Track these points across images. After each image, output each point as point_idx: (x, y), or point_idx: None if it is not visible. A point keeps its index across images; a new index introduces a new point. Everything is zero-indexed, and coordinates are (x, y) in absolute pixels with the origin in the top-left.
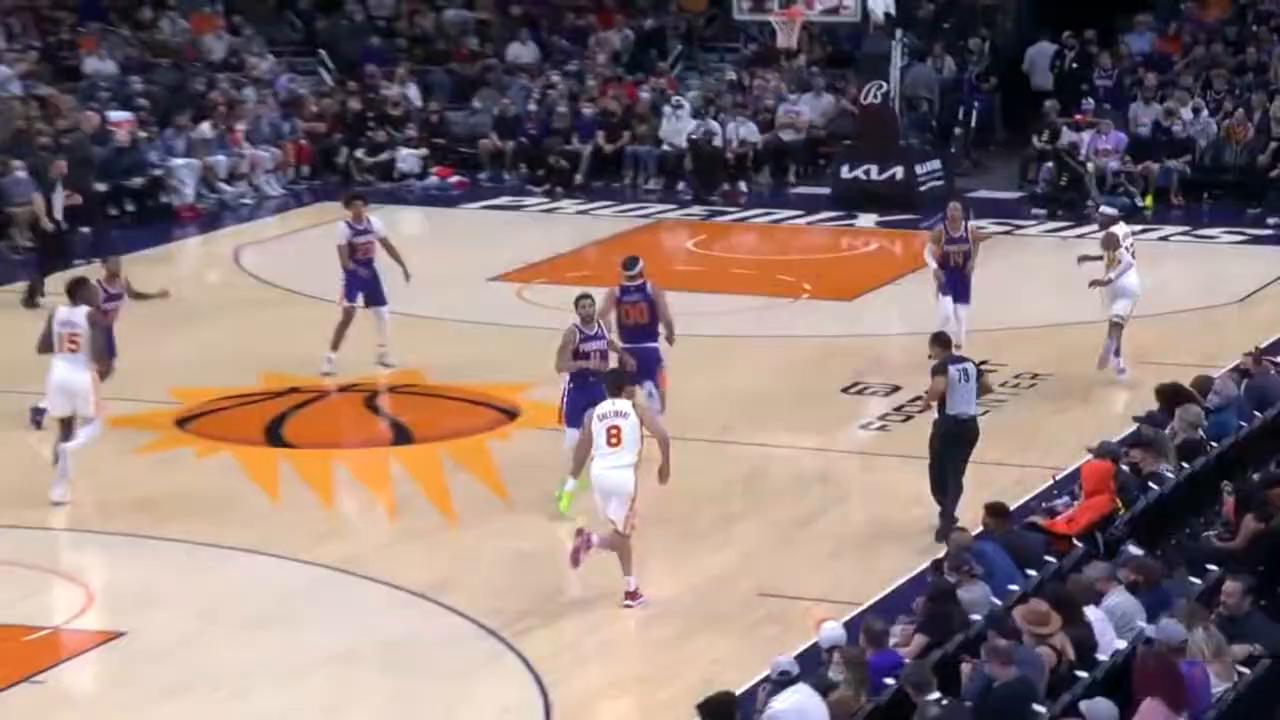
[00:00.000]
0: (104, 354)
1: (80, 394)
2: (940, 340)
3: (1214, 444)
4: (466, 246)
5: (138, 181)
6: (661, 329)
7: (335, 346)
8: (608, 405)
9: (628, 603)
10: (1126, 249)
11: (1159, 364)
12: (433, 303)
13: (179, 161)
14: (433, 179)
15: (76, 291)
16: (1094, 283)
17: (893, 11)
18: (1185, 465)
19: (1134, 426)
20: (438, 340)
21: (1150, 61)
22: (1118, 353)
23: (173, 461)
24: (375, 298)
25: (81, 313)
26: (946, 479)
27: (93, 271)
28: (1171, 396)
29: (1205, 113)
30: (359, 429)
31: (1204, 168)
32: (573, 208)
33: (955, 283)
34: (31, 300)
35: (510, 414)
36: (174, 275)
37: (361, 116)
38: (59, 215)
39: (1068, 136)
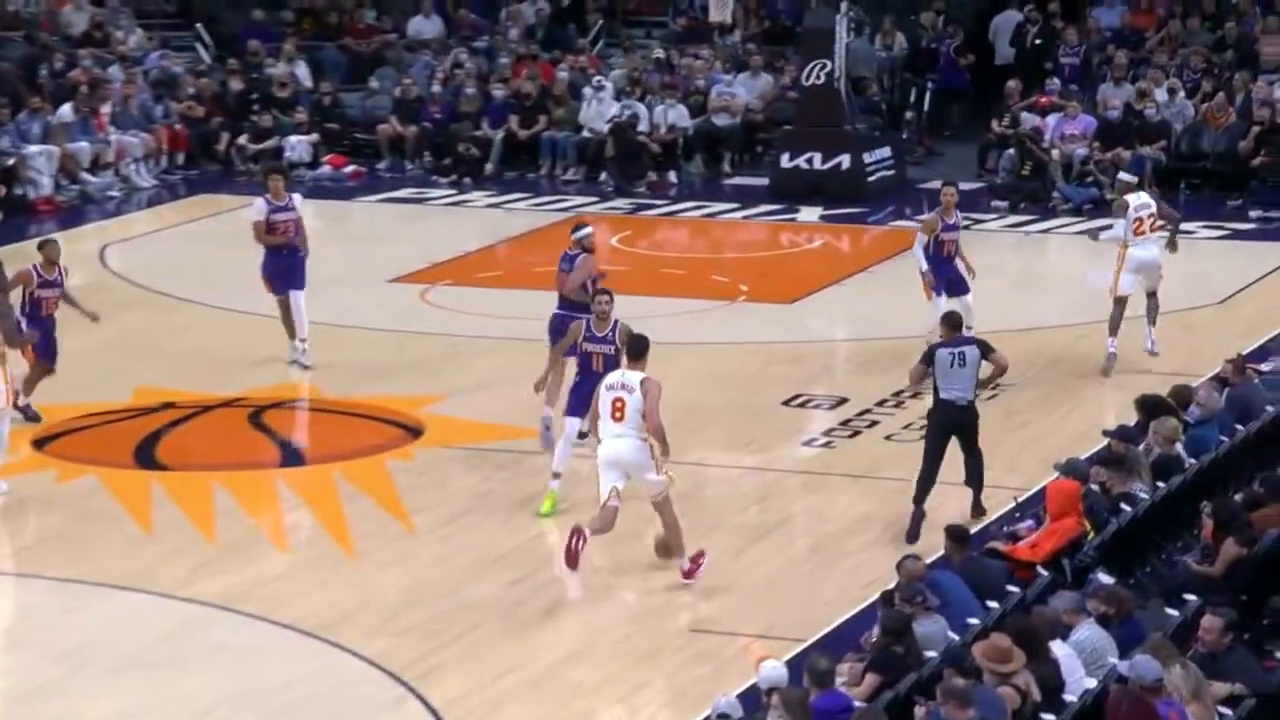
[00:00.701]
0: (12, 334)
1: None
2: (949, 321)
3: (1193, 460)
4: (364, 244)
5: None
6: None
7: (293, 335)
8: (617, 375)
9: (686, 580)
10: (1130, 220)
11: (1131, 372)
12: (327, 307)
13: (35, 149)
14: (325, 169)
15: None
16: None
17: None
18: (1160, 484)
19: (1104, 442)
20: (332, 349)
21: (1121, 38)
22: (1114, 332)
23: (31, 487)
24: (293, 280)
25: None
26: (931, 482)
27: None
28: (1152, 408)
29: (1181, 94)
30: (243, 449)
31: (1180, 155)
32: (483, 200)
33: (949, 275)
34: None
35: (413, 431)
36: None
37: (244, 98)
38: None
39: (1030, 121)
